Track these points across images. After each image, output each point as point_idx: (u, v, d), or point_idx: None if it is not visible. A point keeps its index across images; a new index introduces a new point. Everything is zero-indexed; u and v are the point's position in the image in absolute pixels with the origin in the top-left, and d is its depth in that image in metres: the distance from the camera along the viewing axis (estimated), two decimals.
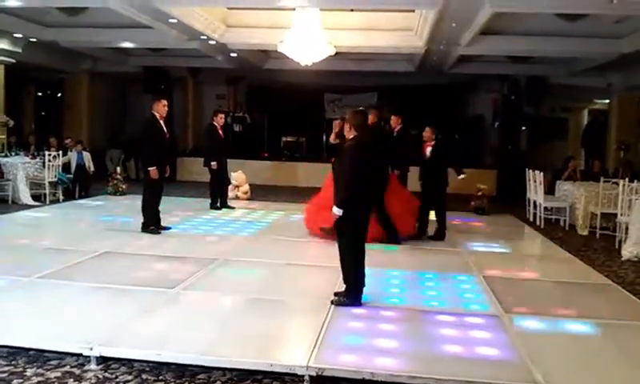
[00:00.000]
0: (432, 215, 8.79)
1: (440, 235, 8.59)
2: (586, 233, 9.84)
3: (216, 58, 15.03)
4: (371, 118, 7.29)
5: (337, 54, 12.06)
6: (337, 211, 4.99)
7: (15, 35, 12.74)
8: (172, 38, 12.49)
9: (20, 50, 13.29)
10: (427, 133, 8.68)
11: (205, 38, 12.65)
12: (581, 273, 7.02)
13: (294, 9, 11.10)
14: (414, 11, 11.96)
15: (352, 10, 12.44)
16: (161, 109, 8.28)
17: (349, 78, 17.47)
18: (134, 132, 17.46)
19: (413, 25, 12.31)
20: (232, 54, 14.61)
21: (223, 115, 10.91)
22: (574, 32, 11.28)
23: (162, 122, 8.30)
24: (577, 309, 5.47)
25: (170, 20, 11.10)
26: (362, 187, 5.05)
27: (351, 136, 5.12)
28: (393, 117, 9.51)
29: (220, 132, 10.68)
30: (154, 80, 16.43)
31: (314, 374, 3.84)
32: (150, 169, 8.03)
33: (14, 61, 13.43)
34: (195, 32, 12.15)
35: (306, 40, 11.10)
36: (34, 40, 13.15)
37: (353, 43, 12.78)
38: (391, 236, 8.05)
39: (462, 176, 8.99)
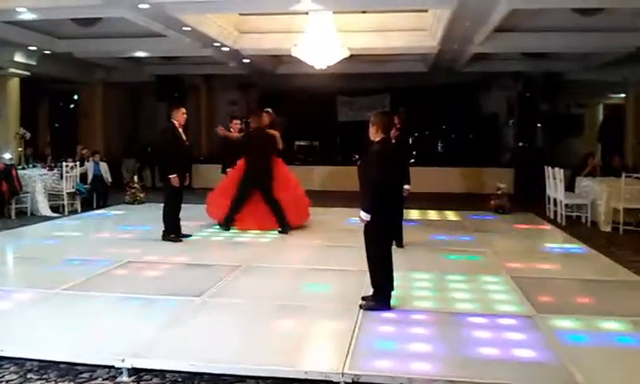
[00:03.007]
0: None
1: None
2: (609, 229, 9.70)
3: (229, 64, 15.06)
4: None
5: (349, 56, 12.03)
6: (364, 216, 4.94)
7: (30, 48, 12.84)
8: (185, 45, 12.52)
9: (34, 63, 13.39)
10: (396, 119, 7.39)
11: (218, 44, 12.67)
12: (609, 270, 6.90)
13: (307, 13, 11.08)
14: (427, 11, 11.90)
15: (364, 12, 12.41)
16: (180, 116, 8.27)
17: (361, 80, 17.43)
18: (151, 141, 17.62)
19: (426, 25, 12.27)
20: (245, 60, 14.63)
21: (238, 121, 10.83)
22: (589, 27, 11.14)
23: (180, 129, 8.30)
24: (610, 307, 5.36)
25: (184, 28, 11.12)
26: (389, 190, 4.99)
27: (378, 139, 5.06)
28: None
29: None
30: (167, 88, 16.50)
31: (349, 380, 3.78)
32: (171, 177, 8.02)
33: (28, 73, 13.52)
34: (209, 39, 12.17)
35: (320, 43, 11.07)
36: (48, 52, 13.22)
37: (366, 45, 12.73)
38: (283, 224, 8.76)
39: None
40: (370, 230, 5.04)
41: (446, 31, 11.10)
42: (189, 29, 11.21)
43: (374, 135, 5.10)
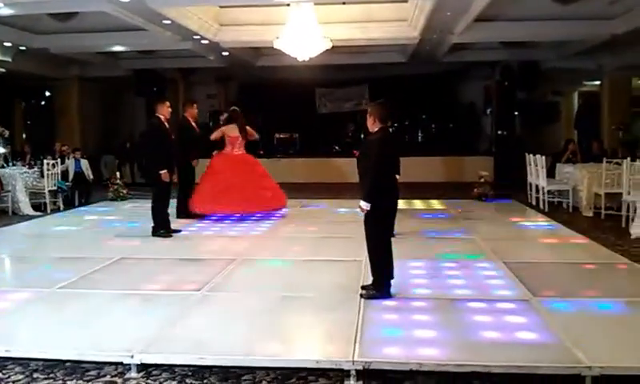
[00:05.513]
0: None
1: None
2: (590, 214, 9.92)
3: (208, 57, 14.95)
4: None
5: (330, 47, 12.03)
6: (365, 205, 4.98)
7: (5, 44, 12.57)
8: (165, 39, 12.40)
9: (10, 59, 13.11)
10: None
11: (198, 37, 12.58)
12: (595, 253, 7.07)
13: (289, 4, 11.05)
14: (407, 1, 11.97)
15: (344, 3, 12.42)
16: (165, 111, 8.22)
17: (340, 71, 17.48)
18: (129, 136, 17.47)
19: (407, 15, 12.33)
20: (224, 53, 14.53)
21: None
22: (567, 15, 11.35)
23: (166, 124, 8.24)
24: (601, 289, 5.52)
25: (165, 21, 11.01)
26: (388, 180, 5.04)
27: (376, 129, 5.10)
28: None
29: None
30: (145, 83, 16.28)
31: (360, 368, 3.82)
32: (161, 172, 7.96)
33: (4, 70, 13.26)
34: (189, 32, 12.07)
35: (302, 35, 11.06)
36: (24, 48, 12.97)
37: (346, 36, 12.75)
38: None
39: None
40: (370, 220, 5.08)
41: (427, 21, 11.19)
42: (169, 22, 11.11)
43: (372, 126, 5.15)
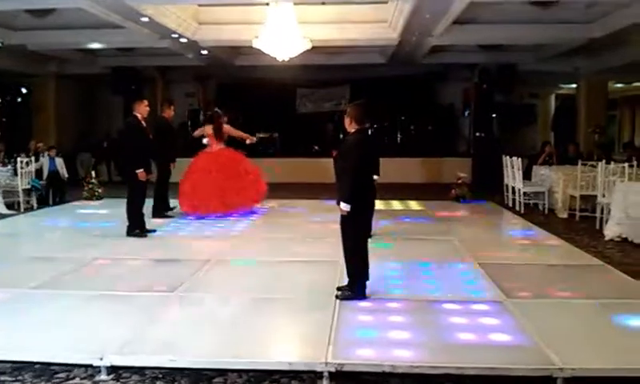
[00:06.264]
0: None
1: None
2: (565, 216, 10.05)
3: (187, 55, 14.81)
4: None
5: (310, 48, 12.00)
6: (345, 207, 4.96)
7: None
8: (143, 37, 12.26)
9: None
10: None
11: (177, 36, 12.46)
12: (569, 255, 7.16)
13: (268, 3, 10.99)
14: (387, 3, 11.98)
15: (324, 3, 12.38)
16: (143, 109, 8.14)
17: (321, 72, 17.45)
18: (106, 135, 17.26)
19: (386, 17, 12.34)
20: (203, 52, 14.41)
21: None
22: (545, 19, 11.44)
23: (144, 122, 8.15)
24: (574, 290, 5.56)
25: (142, 18, 10.88)
26: (365, 180, 5.03)
27: (353, 130, 5.09)
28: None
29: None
30: (123, 81, 16.08)
31: (333, 370, 3.80)
32: (138, 171, 7.85)
33: None
34: (167, 30, 11.94)
35: (282, 35, 10.99)
36: (1, 44, 12.72)
37: (326, 37, 12.68)
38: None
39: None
40: (346, 221, 5.07)
41: (406, 23, 11.21)
42: (147, 20, 10.97)
43: (349, 126, 5.14)
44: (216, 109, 10.28)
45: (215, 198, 9.33)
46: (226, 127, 10.09)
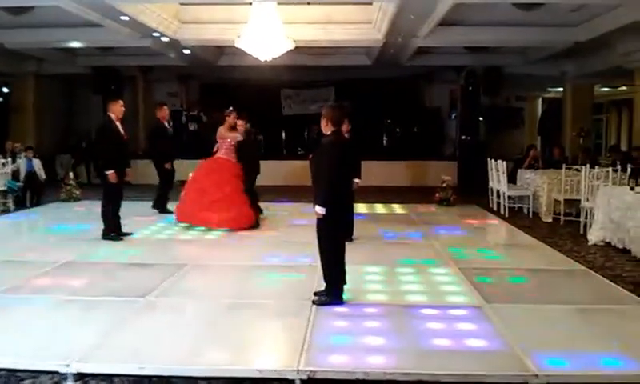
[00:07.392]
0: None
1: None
2: (550, 220, 9.98)
3: (168, 55, 14.60)
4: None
5: (294, 48, 11.88)
6: (320, 210, 4.85)
7: None
8: (124, 36, 12.07)
9: None
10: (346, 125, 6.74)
11: (158, 35, 12.28)
12: (552, 259, 7.09)
13: (251, 3, 10.85)
14: (372, 4, 11.89)
15: (309, 3, 12.27)
16: (117, 109, 7.95)
17: (305, 73, 17.32)
18: (86, 135, 16.96)
19: (371, 18, 12.25)
20: (185, 51, 14.22)
21: (243, 122, 9.77)
22: (530, 22, 11.39)
23: (118, 123, 7.97)
24: (554, 295, 5.50)
25: (122, 17, 10.70)
26: (341, 184, 4.92)
27: (329, 132, 4.97)
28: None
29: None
30: (103, 80, 15.80)
31: (305, 377, 3.69)
32: (107, 173, 7.67)
33: None
34: (148, 29, 11.76)
35: (265, 35, 10.85)
36: None
37: (310, 37, 12.58)
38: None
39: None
40: (322, 225, 4.95)
41: (391, 24, 11.12)
42: (127, 18, 10.79)
43: (325, 128, 5.03)
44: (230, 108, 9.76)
45: (205, 210, 8.63)
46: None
